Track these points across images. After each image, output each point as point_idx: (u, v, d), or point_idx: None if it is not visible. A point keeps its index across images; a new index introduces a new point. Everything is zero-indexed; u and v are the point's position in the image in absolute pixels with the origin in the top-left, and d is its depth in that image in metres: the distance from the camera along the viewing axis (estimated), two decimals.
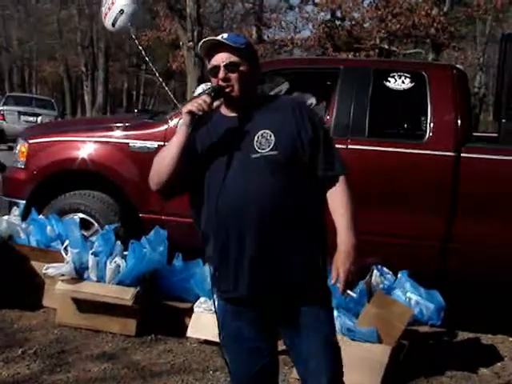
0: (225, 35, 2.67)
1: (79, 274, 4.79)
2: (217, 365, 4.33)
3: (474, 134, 5.82)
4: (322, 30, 21.05)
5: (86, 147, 5.59)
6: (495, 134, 5.92)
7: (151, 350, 4.52)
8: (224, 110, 2.71)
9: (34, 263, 5.07)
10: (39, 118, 21.23)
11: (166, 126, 5.42)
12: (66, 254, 4.84)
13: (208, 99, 2.57)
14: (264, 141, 2.56)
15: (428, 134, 5.08)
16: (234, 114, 2.68)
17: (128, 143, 5.48)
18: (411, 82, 5.20)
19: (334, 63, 6.35)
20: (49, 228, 5.24)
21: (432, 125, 5.06)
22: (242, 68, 2.63)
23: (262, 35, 23.66)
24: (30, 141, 5.80)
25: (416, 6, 19.60)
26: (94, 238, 5.09)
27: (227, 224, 2.55)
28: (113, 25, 6.95)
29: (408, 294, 4.80)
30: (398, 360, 4.28)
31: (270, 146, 2.55)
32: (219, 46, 2.62)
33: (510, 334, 5.21)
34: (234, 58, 2.61)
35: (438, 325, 4.83)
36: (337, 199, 2.63)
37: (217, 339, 4.50)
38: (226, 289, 2.66)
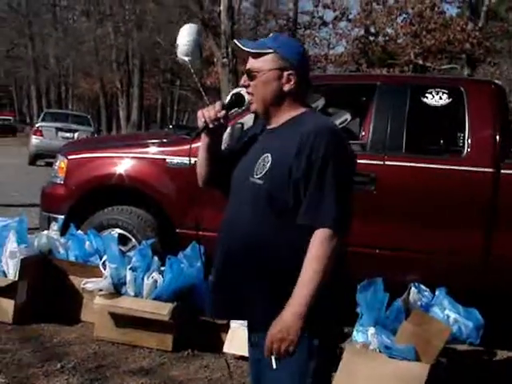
0: (270, 39, 2.45)
1: (117, 289, 4.83)
2: None
3: None
4: (355, 46, 21.10)
5: (123, 163, 5.65)
6: None
7: (188, 366, 4.54)
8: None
9: (73, 278, 5.14)
10: (76, 134, 21.49)
11: None
12: (104, 269, 4.88)
13: (218, 107, 2.42)
14: (261, 166, 2.33)
15: (466, 149, 5.04)
16: (267, 126, 2.46)
17: (165, 159, 5.53)
18: (449, 97, 5.17)
19: (370, 79, 6.35)
20: (87, 243, 5.30)
21: (470, 140, 5.02)
22: (260, 75, 2.36)
23: None
24: (69, 157, 5.88)
25: (451, 21, 19.57)
26: (131, 254, 5.14)
27: (220, 238, 2.48)
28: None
29: (446, 312, 4.75)
30: (437, 378, 4.23)
31: (261, 174, 2.32)
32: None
33: None
34: (251, 65, 2.39)
35: (477, 343, 4.77)
36: (308, 252, 2.22)
37: None
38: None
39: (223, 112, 2.42)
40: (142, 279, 4.80)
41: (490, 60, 21.85)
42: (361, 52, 20.86)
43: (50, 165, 8.84)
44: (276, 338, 2.20)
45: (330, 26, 23.32)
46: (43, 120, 23.04)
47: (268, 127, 2.45)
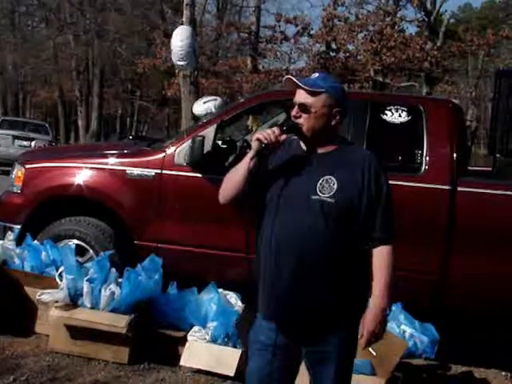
0: (316, 74, 2.88)
1: (73, 301, 4.77)
2: None
3: (469, 168, 5.86)
4: (316, 61, 21.22)
5: (82, 173, 5.59)
6: (489, 169, 5.97)
7: (144, 379, 4.49)
8: (301, 144, 2.88)
9: (28, 289, 5.03)
10: (33, 143, 21.16)
11: (163, 154, 5.44)
12: (61, 280, 4.82)
13: (277, 131, 2.76)
14: (327, 186, 2.71)
15: (424, 166, 5.11)
16: (309, 150, 2.84)
17: (125, 170, 5.49)
18: (408, 115, 5.25)
19: None
20: (43, 254, 5.22)
21: (428, 158, 5.10)
22: (313, 110, 2.76)
23: (257, 65, 23.81)
24: (27, 166, 5.79)
25: (410, 39, 19.84)
26: (88, 265, 5.07)
27: (273, 252, 2.74)
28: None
29: (402, 327, 4.81)
30: None
31: (330, 193, 2.70)
32: (299, 85, 2.79)
33: (502, 367, 5.20)
34: (308, 100, 2.77)
35: (432, 358, 4.83)
36: (380, 261, 2.77)
37: (210, 369, 4.52)
38: (261, 308, 2.88)
39: (284, 136, 2.79)
40: (100, 291, 4.74)
41: (447, 79, 22.25)
42: (321, 67, 20.95)
43: (6, 173, 8.69)
44: (375, 333, 2.75)
45: (292, 40, 23.40)
46: (0, 127, 22.65)
47: (316, 152, 2.82)
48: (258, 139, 2.75)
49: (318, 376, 2.86)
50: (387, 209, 2.78)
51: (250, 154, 2.78)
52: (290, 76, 2.83)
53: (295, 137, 2.86)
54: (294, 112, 2.80)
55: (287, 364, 2.86)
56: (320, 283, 2.72)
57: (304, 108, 2.77)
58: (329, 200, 2.69)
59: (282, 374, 2.86)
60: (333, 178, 2.72)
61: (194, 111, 8.25)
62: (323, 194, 2.70)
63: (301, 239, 2.71)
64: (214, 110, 7.10)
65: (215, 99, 7.66)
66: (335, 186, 2.70)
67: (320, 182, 2.73)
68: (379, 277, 2.76)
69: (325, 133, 2.81)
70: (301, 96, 2.78)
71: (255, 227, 2.90)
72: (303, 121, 2.78)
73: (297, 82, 2.77)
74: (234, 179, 2.85)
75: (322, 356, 2.81)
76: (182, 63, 6.73)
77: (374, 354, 2.94)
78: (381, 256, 2.77)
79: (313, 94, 2.76)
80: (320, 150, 2.83)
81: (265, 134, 2.75)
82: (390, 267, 2.77)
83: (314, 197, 2.71)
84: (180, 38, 6.80)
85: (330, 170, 2.75)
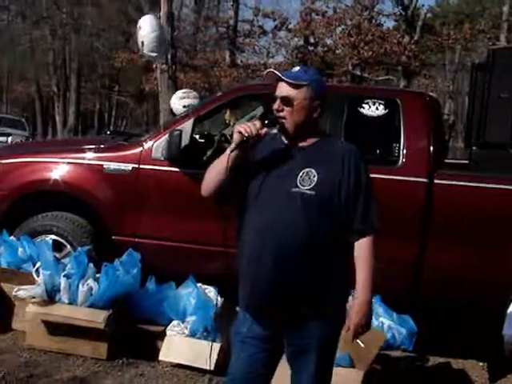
0: (296, 68, 2.88)
1: (51, 297, 4.73)
2: None
3: (446, 160, 5.89)
4: (295, 56, 21.27)
5: (59, 168, 5.54)
6: (465, 161, 6.01)
7: (123, 374, 4.48)
8: (283, 137, 2.88)
9: (5, 285, 4.99)
10: (9, 138, 21.01)
11: (140, 149, 5.41)
12: (38, 276, 4.78)
13: (259, 125, 2.77)
14: (307, 179, 2.73)
15: (401, 159, 5.13)
16: (290, 143, 2.85)
17: (102, 165, 5.45)
18: (385, 108, 5.27)
19: None
20: (20, 249, 5.17)
21: (405, 151, 5.12)
22: (295, 103, 2.77)
23: (236, 59, 23.79)
24: (2, 161, 5.74)
25: (388, 33, 19.93)
26: (66, 260, 5.04)
27: (255, 246, 2.76)
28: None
29: (381, 319, 4.82)
30: None
31: (311, 186, 2.72)
32: (281, 78, 2.80)
33: (480, 359, 5.25)
34: (290, 93, 2.78)
35: (410, 350, 4.86)
36: (362, 252, 2.81)
37: (189, 363, 4.52)
38: (242, 301, 2.91)
39: (265, 130, 2.80)
40: (77, 286, 4.71)
41: (425, 73, 22.37)
42: (300, 61, 20.98)
43: None
44: (361, 325, 2.79)
45: (270, 35, 23.42)
46: None
47: (297, 145, 2.83)
48: (239, 132, 2.75)
49: (298, 367, 2.88)
50: (368, 200, 2.81)
51: (231, 146, 2.78)
52: (272, 70, 2.84)
53: (276, 130, 2.86)
54: (275, 105, 2.80)
55: (269, 355, 2.88)
56: (302, 276, 2.74)
57: (286, 101, 2.78)
58: (309, 192, 2.71)
59: (264, 366, 2.88)
60: (313, 170, 2.73)
61: (171, 107, 8.21)
62: (303, 186, 2.71)
63: (282, 233, 2.71)
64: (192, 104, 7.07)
65: (193, 96, 7.62)
66: (315, 179, 2.72)
67: (300, 174, 2.74)
68: (360, 269, 2.79)
69: (306, 126, 2.82)
70: (283, 89, 2.79)
71: (236, 221, 2.90)
72: (285, 114, 2.79)
73: (279, 75, 2.78)
74: (215, 172, 2.85)
75: (302, 347, 2.83)
76: (153, 54, 6.68)
77: (362, 345, 2.96)
78: (361, 248, 2.80)
79: (295, 86, 2.77)
80: (301, 143, 2.84)
81: (246, 126, 2.75)
82: (371, 259, 2.80)
83: (294, 189, 2.72)
84: (147, 29, 6.73)
85: (310, 162, 2.76)
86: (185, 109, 7.50)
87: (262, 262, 2.74)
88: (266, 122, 2.79)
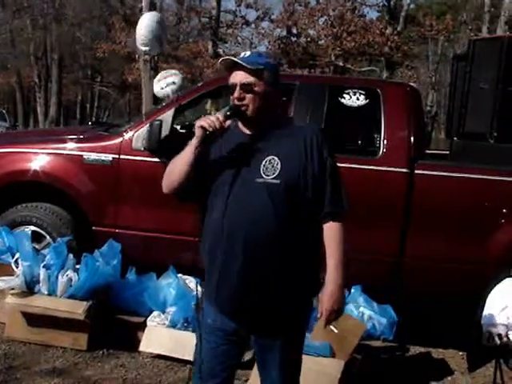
0: (247, 53, 2.79)
1: (30, 288, 4.70)
2: (170, 380, 4.31)
3: (427, 151, 5.91)
4: (277, 46, 21.24)
5: (38, 159, 5.49)
6: (447, 152, 6.03)
7: (103, 365, 4.46)
8: (241, 127, 2.79)
9: None
10: None
11: (120, 139, 5.38)
12: (17, 267, 4.75)
13: (221, 117, 2.67)
14: (270, 167, 2.65)
15: (382, 150, 5.14)
16: (249, 132, 2.77)
17: (82, 155, 5.41)
18: (365, 98, 5.27)
19: (289, 79, 6.38)
20: None
21: (385, 141, 5.12)
22: (257, 89, 2.69)
23: (218, 50, 23.71)
24: None
25: (371, 24, 19.97)
26: (45, 251, 5.00)
27: (224, 239, 2.67)
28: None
29: (361, 309, 4.85)
30: (351, 374, 4.31)
31: (275, 174, 2.64)
32: (237, 65, 2.70)
33: (460, 348, 5.28)
34: (249, 79, 2.68)
35: (391, 339, 4.89)
36: (332, 235, 2.70)
37: (169, 354, 4.51)
38: (208, 293, 2.83)
39: (228, 122, 2.73)
40: (57, 277, 4.69)
41: (407, 64, 22.45)
42: (282, 52, 20.99)
43: None
44: (333, 310, 2.70)
45: (253, 25, 23.39)
46: None
47: (259, 134, 2.73)
48: (201, 126, 2.66)
49: (266, 362, 2.83)
50: (335, 182, 2.71)
51: (194, 141, 2.69)
52: (229, 57, 2.74)
53: (238, 120, 2.78)
54: (236, 94, 2.70)
55: (234, 347, 2.84)
56: (272, 267, 2.67)
57: (248, 88, 2.68)
58: (274, 182, 2.63)
59: (230, 357, 2.84)
60: (276, 158, 2.65)
61: (154, 91, 8.16)
62: (267, 176, 2.64)
63: (251, 224, 2.64)
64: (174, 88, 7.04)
65: (172, 73, 7.57)
66: (279, 166, 2.64)
67: (263, 163, 2.66)
68: (330, 252, 2.70)
69: (269, 111, 2.75)
70: (241, 76, 2.69)
71: (200, 215, 2.83)
72: (248, 101, 2.69)
73: (239, 61, 2.68)
74: (178, 168, 2.77)
75: (269, 342, 2.78)
76: (144, 48, 6.67)
77: (336, 331, 2.90)
78: (330, 231, 2.70)
79: (254, 72, 2.68)
80: (263, 131, 2.75)
81: (209, 120, 2.65)
82: (340, 242, 2.71)
83: (258, 180, 2.65)
84: (145, 24, 6.73)
85: (273, 150, 2.68)
86: (165, 90, 7.41)
87: (231, 254, 2.66)
88: (229, 113, 2.69)
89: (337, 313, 2.72)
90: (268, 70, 2.72)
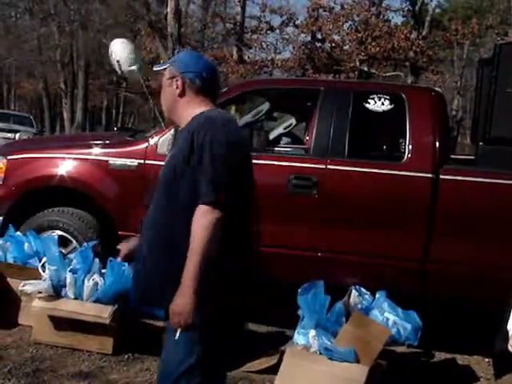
0: (172, 58, 2.95)
1: (56, 292, 4.75)
2: None
3: (452, 156, 5.88)
4: (302, 52, 21.26)
5: (65, 164, 5.56)
6: (472, 157, 5.99)
7: (128, 369, 4.49)
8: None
9: (11, 280, 5.02)
10: (17, 135, 21.08)
11: (146, 144, 5.42)
12: (44, 271, 4.80)
13: None
14: (165, 163, 2.78)
15: (406, 155, 5.12)
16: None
17: (108, 161, 5.46)
18: (390, 103, 5.25)
19: (314, 84, 6.39)
20: (26, 245, 5.20)
21: (410, 146, 5.10)
22: (162, 87, 2.82)
23: (243, 56, 23.78)
24: (9, 157, 5.75)
25: (395, 29, 19.90)
26: (72, 256, 5.06)
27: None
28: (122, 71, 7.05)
29: (386, 314, 4.81)
30: (376, 380, 4.28)
31: (164, 169, 2.75)
32: None
33: (485, 354, 5.23)
34: (161, 81, 2.85)
35: (415, 345, 4.85)
36: (192, 225, 2.53)
37: None
38: None
39: None
40: (83, 281, 4.73)
41: (432, 68, 22.31)
42: (307, 58, 21.01)
43: None
44: (175, 311, 2.52)
45: (277, 31, 23.41)
46: None
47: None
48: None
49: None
50: (203, 170, 2.55)
51: None
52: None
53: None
54: None
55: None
56: (153, 262, 2.70)
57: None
58: (160, 173, 2.76)
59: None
60: (169, 153, 2.78)
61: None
62: (163, 171, 2.75)
63: (149, 218, 2.76)
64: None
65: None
66: (167, 159, 2.77)
67: (167, 158, 2.80)
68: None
69: (176, 106, 2.79)
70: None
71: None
72: (161, 100, 2.84)
73: (155, 68, 2.90)
74: None
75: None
76: (133, 68, 6.69)
77: (176, 337, 2.57)
78: (193, 221, 2.53)
79: (161, 74, 2.83)
80: (181, 127, 2.80)
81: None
82: (197, 233, 2.49)
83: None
84: (118, 49, 6.72)
85: (175, 145, 2.81)
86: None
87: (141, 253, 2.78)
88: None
89: (179, 316, 2.53)
90: (170, 67, 2.81)
